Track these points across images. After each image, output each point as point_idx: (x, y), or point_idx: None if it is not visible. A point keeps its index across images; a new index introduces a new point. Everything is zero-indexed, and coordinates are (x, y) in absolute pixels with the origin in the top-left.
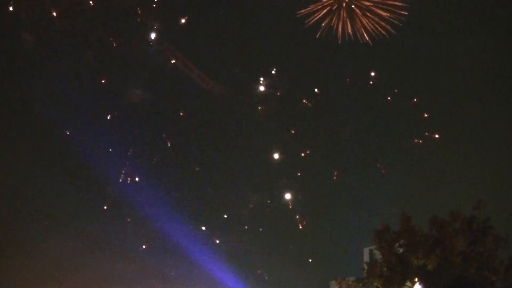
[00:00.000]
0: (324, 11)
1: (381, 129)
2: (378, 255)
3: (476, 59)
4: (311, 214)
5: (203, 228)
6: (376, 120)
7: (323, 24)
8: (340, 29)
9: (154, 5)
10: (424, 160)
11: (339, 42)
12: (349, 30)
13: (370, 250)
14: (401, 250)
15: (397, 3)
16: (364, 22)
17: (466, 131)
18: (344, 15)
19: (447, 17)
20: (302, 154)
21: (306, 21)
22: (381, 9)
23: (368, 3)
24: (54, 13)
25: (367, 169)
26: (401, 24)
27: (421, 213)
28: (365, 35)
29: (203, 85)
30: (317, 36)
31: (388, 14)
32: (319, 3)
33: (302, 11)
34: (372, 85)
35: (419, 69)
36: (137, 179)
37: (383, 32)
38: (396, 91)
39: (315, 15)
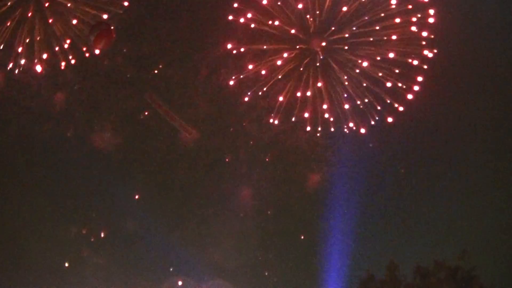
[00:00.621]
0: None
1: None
2: None
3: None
4: (290, 268)
5: None
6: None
7: (280, 99)
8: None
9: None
10: (410, 209)
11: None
12: (327, 111)
13: None
14: None
15: (412, 59)
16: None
17: (451, 180)
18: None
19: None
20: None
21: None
22: (383, 70)
23: (359, 59)
24: None
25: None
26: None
27: (406, 261)
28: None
29: (186, 134)
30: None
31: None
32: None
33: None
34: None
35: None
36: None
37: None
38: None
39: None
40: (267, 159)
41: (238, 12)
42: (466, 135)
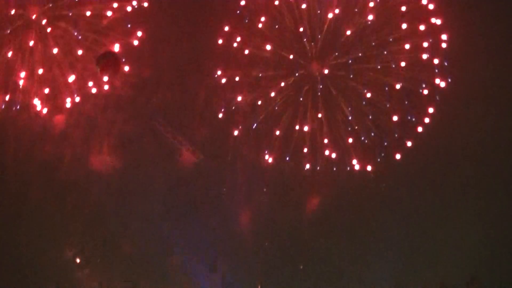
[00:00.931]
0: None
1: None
2: None
3: None
4: None
5: None
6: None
7: (277, 133)
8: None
9: None
10: (417, 234)
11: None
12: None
13: None
14: None
15: (422, 89)
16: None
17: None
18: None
19: None
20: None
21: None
22: (391, 100)
23: (364, 87)
24: None
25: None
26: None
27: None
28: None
29: (194, 158)
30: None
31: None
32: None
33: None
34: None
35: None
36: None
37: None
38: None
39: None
40: (264, 189)
41: (231, 36)
42: (480, 170)
